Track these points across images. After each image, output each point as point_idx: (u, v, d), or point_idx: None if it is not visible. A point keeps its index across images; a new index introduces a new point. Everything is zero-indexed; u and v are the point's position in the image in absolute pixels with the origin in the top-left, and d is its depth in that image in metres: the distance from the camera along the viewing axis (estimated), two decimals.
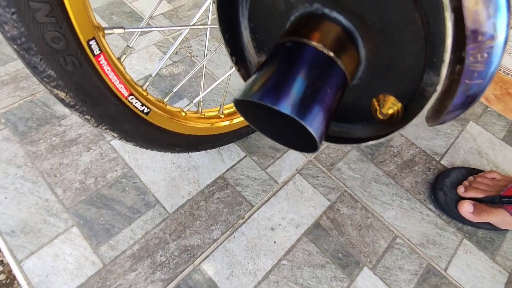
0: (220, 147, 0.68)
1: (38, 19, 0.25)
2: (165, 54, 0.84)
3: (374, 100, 0.21)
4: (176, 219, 0.58)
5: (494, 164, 0.75)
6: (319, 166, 0.68)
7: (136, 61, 0.82)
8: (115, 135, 0.40)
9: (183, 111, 0.51)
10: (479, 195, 0.63)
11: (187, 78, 0.48)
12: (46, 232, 0.54)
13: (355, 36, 0.19)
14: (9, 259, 0.52)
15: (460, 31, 0.15)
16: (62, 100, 0.32)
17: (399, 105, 0.20)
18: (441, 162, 0.73)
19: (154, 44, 0.86)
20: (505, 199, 0.61)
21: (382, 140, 0.21)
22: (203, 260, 0.54)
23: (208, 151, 0.67)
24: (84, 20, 0.28)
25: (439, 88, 0.16)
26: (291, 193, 0.64)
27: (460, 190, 0.65)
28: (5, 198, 0.57)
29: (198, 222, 0.58)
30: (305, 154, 0.70)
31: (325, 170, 0.68)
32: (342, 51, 0.18)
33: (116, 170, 0.63)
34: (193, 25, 0.39)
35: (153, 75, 0.41)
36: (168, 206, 0.60)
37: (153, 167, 0.64)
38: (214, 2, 0.33)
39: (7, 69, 0.74)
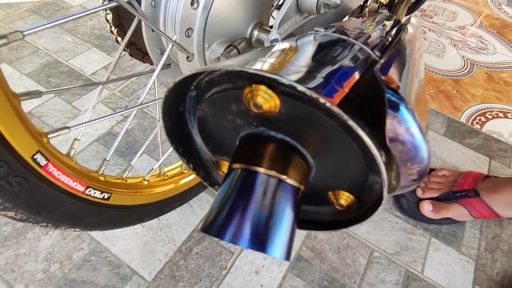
0: (190, 200, 0.67)
1: None
2: (114, 110, 0.82)
3: (330, 193, 0.23)
4: (157, 287, 0.56)
5: (442, 160, 0.82)
6: None
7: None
8: (77, 229, 0.38)
9: (144, 179, 0.49)
10: (435, 194, 0.69)
11: (145, 145, 0.47)
12: None
13: (302, 151, 0.21)
14: None
15: (390, 159, 0.18)
16: (12, 218, 0.30)
17: (352, 197, 0.22)
18: None
19: (101, 102, 0.83)
20: (457, 194, 0.67)
21: (350, 228, 0.23)
22: None
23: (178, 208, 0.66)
24: (25, 138, 0.27)
25: (385, 190, 0.18)
26: None
27: (419, 192, 0.70)
28: None
29: (181, 283, 0.57)
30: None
31: None
32: (293, 169, 0.20)
33: (83, 248, 0.59)
34: (141, 103, 0.39)
35: (107, 159, 0.40)
36: (146, 274, 0.57)
37: (122, 235, 0.61)
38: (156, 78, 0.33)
39: None
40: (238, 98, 0.19)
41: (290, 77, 0.16)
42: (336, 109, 0.16)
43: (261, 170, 0.19)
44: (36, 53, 0.92)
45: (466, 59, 1.13)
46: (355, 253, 0.63)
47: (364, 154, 0.19)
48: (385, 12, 0.70)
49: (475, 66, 1.11)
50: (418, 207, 0.68)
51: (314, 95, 0.16)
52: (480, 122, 0.93)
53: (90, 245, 0.59)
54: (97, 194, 0.38)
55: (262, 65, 0.18)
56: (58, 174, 0.31)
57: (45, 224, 0.33)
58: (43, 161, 0.29)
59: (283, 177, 0.19)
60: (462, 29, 1.25)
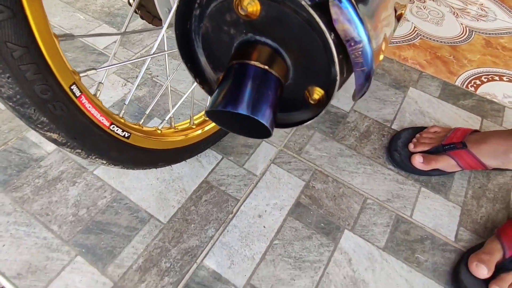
0: (198, 155, 0.74)
1: (28, 77, 0.30)
2: (126, 80, 0.88)
3: (306, 91, 0.29)
4: (171, 227, 0.63)
5: (435, 120, 0.87)
6: (289, 153, 0.76)
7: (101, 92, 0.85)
8: (104, 162, 0.45)
9: (158, 129, 0.56)
10: (426, 147, 0.74)
11: (156, 100, 0.54)
12: (52, 267, 0.57)
13: (281, 52, 0.26)
14: None
15: (339, 40, 0.23)
16: (54, 141, 0.37)
17: (322, 92, 0.28)
18: (392, 127, 0.84)
19: (113, 73, 0.89)
20: (446, 147, 0.72)
21: (316, 118, 0.29)
22: (204, 257, 0.60)
23: (188, 160, 0.73)
24: (64, 70, 0.33)
25: (338, 77, 0.23)
26: (270, 181, 0.71)
27: (411, 147, 0.75)
28: (3, 245, 0.59)
29: (193, 225, 0.64)
30: (273, 143, 0.77)
31: (295, 155, 0.76)
32: (274, 64, 0.26)
33: (105, 197, 0.67)
34: (153, 54, 0.45)
35: (126, 103, 0.46)
36: (161, 217, 0.65)
37: (139, 186, 0.68)
38: (166, 33, 0.39)
39: None
40: (230, 7, 0.25)
41: None
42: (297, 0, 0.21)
43: (251, 62, 0.25)
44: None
45: (465, 26, 1.15)
46: (349, 200, 0.70)
47: (326, 49, 0.24)
48: None
49: (473, 32, 1.13)
50: (410, 160, 0.74)
51: None
52: (475, 85, 0.97)
53: (112, 194, 0.67)
54: (119, 131, 0.44)
55: None
56: (89, 107, 0.38)
57: (80, 150, 0.40)
58: (77, 92, 0.36)
59: (267, 68, 0.25)
60: None
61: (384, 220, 0.67)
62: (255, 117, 0.23)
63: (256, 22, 0.25)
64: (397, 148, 0.76)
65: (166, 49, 0.47)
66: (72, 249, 0.60)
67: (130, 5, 0.51)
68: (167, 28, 0.46)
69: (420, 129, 0.80)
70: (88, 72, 0.38)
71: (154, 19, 0.56)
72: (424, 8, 1.18)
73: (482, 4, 1.23)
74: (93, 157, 0.42)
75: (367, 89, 0.27)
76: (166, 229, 0.63)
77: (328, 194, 0.70)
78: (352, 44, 0.23)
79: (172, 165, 0.71)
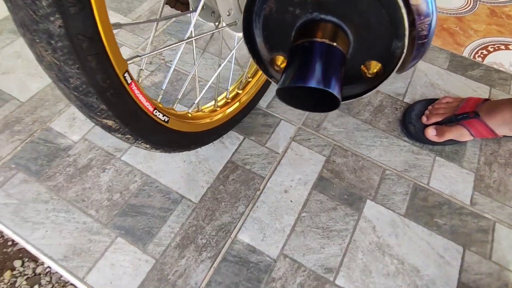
0: (221, 137, 0.76)
1: (93, 67, 0.31)
2: (140, 66, 0.88)
3: (362, 66, 0.31)
4: (203, 206, 0.66)
5: (445, 91, 0.89)
6: (308, 130, 0.79)
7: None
8: (147, 146, 0.47)
9: (188, 112, 0.58)
10: (439, 118, 0.77)
11: (184, 87, 0.55)
12: (95, 249, 0.61)
13: (344, 28, 0.28)
14: (72, 279, 0.58)
15: (411, 15, 0.25)
16: (109, 127, 0.39)
17: (379, 65, 0.30)
18: (405, 100, 0.86)
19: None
20: (459, 117, 0.75)
21: (374, 90, 0.31)
22: (237, 232, 0.64)
23: (213, 143, 0.75)
24: (118, 58, 0.35)
25: (405, 50, 0.25)
26: (292, 158, 0.74)
27: (424, 119, 0.78)
28: (46, 231, 0.62)
29: (223, 203, 0.67)
30: (292, 121, 0.79)
31: (314, 132, 0.78)
32: (339, 40, 0.28)
33: (136, 181, 0.69)
34: (187, 38, 0.46)
35: (163, 88, 0.48)
36: (192, 197, 0.68)
37: (168, 169, 0.71)
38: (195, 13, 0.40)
39: None
40: None
41: None
42: None
43: (318, 39, 0.27)
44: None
45: None
46: (369, 172, 0.73)
47: (391, 20, 0.26)
48: None
49: (478, 2, 1.13)
50: (423, 132, 0.77)
51: None
52: (482, 56, 0.98)
53: (142, 178, 0.69)
54: (161, 116, 0.46)
55: None
56: (138, 93, 0.40)
57: (129, 136, 0.42)
58: (129, 80, 0.37)
59: (333, 43, 0.27)
60: None
61: (403, 189, 0.71)
62: (328, 90, 0.25)
63: (323, 2, 0.27)
64: (411, 121, 0.79)
65: (193, 35, 0.48)
66: (112, 231, 0.63)
67: None
68: (195, 13, 0.47)
69: (432, 101, 0.83)
70: (134, 60, 0.40)
71: (176, 3, 0.57)
72: None
73: None
74: (140, 142, 0.44)
75: (417, 63, 0.29)
76: (198, 208, 0.66)
77: (348, 167, 0.73)
78: (422, 18, 0.25)
79: (198, 149, 0.74)
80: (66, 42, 0.28)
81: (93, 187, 0.68)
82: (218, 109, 0.67)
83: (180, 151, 0.58)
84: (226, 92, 0.69)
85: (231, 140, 0.76)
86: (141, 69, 0.44)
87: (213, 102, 0.66)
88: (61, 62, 0.29)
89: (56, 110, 0.78)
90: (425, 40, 0.27)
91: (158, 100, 0.48)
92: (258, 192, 0.69)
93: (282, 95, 0.28)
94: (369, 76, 0.31)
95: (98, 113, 0.35)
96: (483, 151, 0.78)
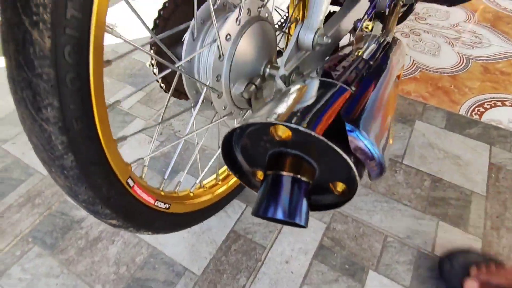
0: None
1: (99, 183, 0.36)
2: (151, 137, 0.96)
3: (330, 184, 0.35)
4: (206, 279, 0.68)
5: (444, 151, 0.91)
6: None
7: (128, 150, 0.93)
8: (149, 232, 0.51)
9: (190, 192, 0.62)
10: (491, 280, 0.57)
11: (191, 162, 0.60)
12: None
13: (308, 159, 0.33)
14: None
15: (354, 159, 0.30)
16: (113, 225, 0.43)
17: (344, 186, 0.34)
18: (404, 162, 0.88)
19: (142, 133, 0.97)
20: None
21: (342, 206, 0.34)
22: None
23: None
24: (121, 167, 0.40)
25: (358, 182, 0.29)
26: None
27: (473, 270, 0.60)
28: None
29: (225, 275, 0.68)
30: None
31: None
32: (303, 170, 0.32)
33: (142, 253, 0.72)
34: (186, 135, 0.52)
35: (165, 178, 0.53)
36: (195, 269, 0.69)
37: (172, 240, 0.74)
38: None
39: (19, 192, 0.83)
40: (266, 132, 0.32)
41: (293, 121, 0.28)
42: (321, 138, 0.27)
43: (284, 173, 0.31)
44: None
45: (462, 55, 1.21)
46: (370, 239, 0.73)
47: (346, 163, 0.30)
48: (377, 27, 0.81)
49: (470, 60, 1.19)
50: (461, 281, 0.61)
51: (307, 131, 0.27)
52: (478, 113, 1.01)
53: (148, 249, 0.72)
54: (161, 204, 0.51)
55: (278, 114, 0.30)
56: (140, 192, 0.44)
57: (132, 228, 0.46)
58: (131, 183, 0.42)
59: (298, 176, 0.31)
60: (456, 26, 1.33)
61: (406, 258, 0.70)
62: (293, 221, 0.29)
63: (288, 141, 0.32)
64: (453, 262, 0.64)
65: (195, 129, 0.54)
66: None
67: (161, 88, 0.58)
68: (195, 109, 0.53)
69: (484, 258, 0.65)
70: (138, 162, 0.45)
71: (181, 94, 0.64)
72: (420, 41, 1.25)
73: (475, 32, 1.30)
74: (142, 231, 0.48)
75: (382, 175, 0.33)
76: (201, 281, 0.68)
77: (349, 234, 0.74)
78: (368, 161, 0.29)
79: None
80: (77, 170, 0.33)
81: (102, 260, 0.71)
82: (220, 182, 0.71)
83: (184, 229, 0.61)
84: (216, 176, 0.71)
85: (234, 209, 0.79)
86: (145, 166, 0.49)
87: (214, 176, 0.71)
88: (71, 184, 0.34)
89: None
90: (380, 171, 0.31)
91: (161, 189, 0.53)
92: (259, 263, 0.70)
93: (258, 216, 0.32)
94: (336, 193, 0.35)
95: (103, 216, 0.40)
96: (489, 214, 0.77)
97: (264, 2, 0.54)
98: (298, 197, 0.30)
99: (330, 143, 0.27)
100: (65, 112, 0.29)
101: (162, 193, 0.53)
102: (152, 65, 0.57)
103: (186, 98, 0.64)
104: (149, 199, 0.47)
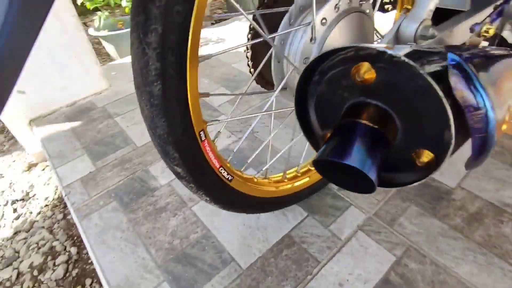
0: (285, 208, 0.76)
1: (176, 122, 0.39)
2: (231, 133, 1.01)
3: (413, 153, 0.29)
4: (249, 275, 0.64)
5: None
6: (380, 222, 0.71)
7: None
8: (207, 198, 0.51)
9: (255, 177, 0.62)
10: None
11: (256, 152, 0.60)
12: (143, 287, 0.64)
13: (391, 113, 0.29)
14: None
15: (456, 107, 0.24)
16: (177, 173, 0.45)
17: (431, 155, 0.28)
18: None
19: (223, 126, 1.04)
20: None
21: (422, 181, 0.28)
22: None
23: (274, 212, 0.75)
24: (198, 119, 0.42)
25: (452, 141, 0.24)
26: (356, 249, 0.67)
27: None
28: (113, 257, 0.70)
29: (270, 278, 0.64)
30: (363, 208, 0.73)
31: (386, 225, 0.70)
32: (383, 124, 0.28)
33: (197, 232, 0.73)
34: (264, 111, 0.52)
35: (235, 151, 0.54)
36: (242, 263, 0.67)
37: (227, 228, 0.73)
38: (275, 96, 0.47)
39: (117, 155, 0.96)
40: (347, 74, 0.29)
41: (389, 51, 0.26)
42: (416, 67, 0.23)
43: (361, 121, 0.28)
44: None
45: None
46: None
47: (441, 113, 0.25)
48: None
49: None
50: None
51: (403, 58, 0.24)
52: None
53: (203, 231, 0.73)
54: (225, 173, 0.51)
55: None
56: (208, 150, 0.46)
57: (193, 185, 0.47)
58: (203, 137, 0.44)
59: (375, 126, 0.27)
60: None
61: None
62: (362, 170, 0.25)
63: (370, 87, 0.29)
64: None
65: (273, 109, 0.54)
66: (162, 274, 0.66)
67: (251, 73, 0.61)
68: (277, 92, 0.53)
69: None
70: (213, 122, 0.47)
71: (267, 84, 0.66)
72: None
73: None
74: (201, 193, 0.49)
75: (485, 158, 0.26)
76: (244, 276, 0.64)
77: (424, 277, 0.61)
78: (472, 110, 0.24)
79: (260, 214, 0.75)
80: (161, 101, 0.36)
81: (162, 228, 0.75)
82: (286, 180, 0.69)
83: (237, 212, 0.60)
84: (297, 166, 0.71)
85: (294, 215, 0.75)
86: (219, 131, 0.51)
87: (281, 173, 0.69)
88: (153, 115, 0.37)
89: (157, 157, 0.94)
90: (484, 134, 0.24)
91: (228, 160, 0.54)
92: (309, 277, 0.63)
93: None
94: (419, 165, 0.29)
95: (171, 160, 0.42)
96: None
97: None
98: (373, 148, 0.26)
99: (426, 76, 0.23)
100: (165, 40, 0.33)
101: (228, 165, 0.53)
102: (247, 49, 0.61)
103: (270, 87, 0.66)
104: (215, 162, 0.48)
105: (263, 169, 0.63)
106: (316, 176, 0.73)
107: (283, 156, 0.90)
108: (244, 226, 0.73)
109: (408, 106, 0.27)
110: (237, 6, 0.41)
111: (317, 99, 0.34)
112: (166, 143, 0.40)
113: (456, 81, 0.24)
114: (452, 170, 0.80)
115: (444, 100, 0.23)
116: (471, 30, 0.52)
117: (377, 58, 0.26)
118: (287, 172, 0.70)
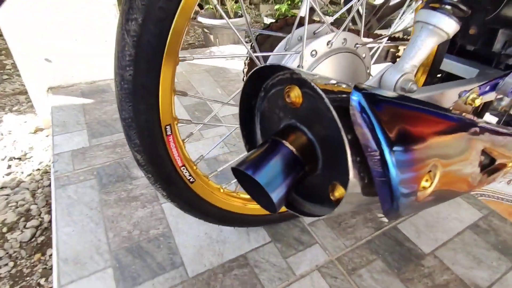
0: (250, 228, 0.75)
1: (141, 110, 0.41)
2: (225, 144, 1.02)
3: (330, 186, 0.29)
4: (193, 284, 0.63)
5: None
6: (340, 268, 0.68)
7: (202, 146, 1.01)
8: (164, 193, 0.52)
9: (221, 188, 0.62)
10: None
11: (230, 163, 0.61)
12: (88, 267, 0.64)
13: (313, 142, 0.29)
14: (54, 281, 0.62)
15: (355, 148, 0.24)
16: (137, 160, 0.46)
17: (343, 190, 0.28)
18: None
19: (219, 136, 1.06)
20: None
21: (327, 215, 0.28)
22: None
23: (238, 229, 0.74)
24: (167, 113, 0.44)
25: (350, 177, 0.24)
26: (306, 287, 0.64)
27: None
28: (73, 231, 0.71)
29: None
30: (327, 249, 0.71)
31: (346, 273, 0.68)
32: (304, 150, 0.28)
33: (158, 229, 0.74)
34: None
35: (204, 156, 0.55)
36: (190, 270, 0.66)
37: (189, 233, 0.73)
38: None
39: (113, 138, 1.00)
40: (282, 95, 0.30)
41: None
42: (318, 90, 0.24)
43: (284, 141, 0.28)
44: (196, 94, 1.28)
45: None
46: None
47: (342, 145, 0.25)
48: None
49: None
50: None
51: (309, 80, 0.25)
52: None
53: (164, 229, 0.74)
54: (187, 174, 0.52)
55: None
56: (172, 146, 0.47)
57: (150, 175, 0.48)
58: (169, 132, 0.46)
59: (294, 150, 0.28)
60: None
61: None
62: (265, 188, 0.25)
63: (299, 112, 0.29)
64: None
65: None
66: (111, 259, 0.66)
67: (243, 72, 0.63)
68: None
69: None
70: (185, 121, 0.49)
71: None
72: None
73: None
74: (158, 186, 0.50)
75: (404, 209, 0.25)
76: (187, 283, 0.63)
77: None
78: (368, 149, 0.23)
79: (222, 227, 0.74)
80: (130, 86, 0.38)
81: (127, 215, 0.76)
82: (240, 196, 0.68)
83: (196, 217, 0.60)
84: None
85: (257, 237, 0.73)
86: (191, 133, 0.52)
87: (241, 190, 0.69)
88: (122, 97, 0.40)
89: None
90: (384, 179, 0.23)
91: (196, 163, 0.55)
92: None
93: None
94: (332, 199, 0.28)
95: (132, 145, 0.44)
96: None
97: (366, 42, 0.54)
98: (287, 173, 0.26)
99: (329, 105, 0.23)
100: (143, 30, 0.35)
101: (194, 167, 0.54)
102: (245, 65, 0.64)
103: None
104: (178, 159, 0.49)
105: (232, 182, 0.63)
106: None
107: None
108: (205, 236, 0.73)
109: (327, 136, 0.28)
110: (234, 29, 0.44)
111: (261, 114, 0.35)
112: (130, 127, 0.42)
113: (355, 117, 0.24)
114: (431, 235, 0.77)
115: (342, 132, 0.23)
116: (459, 95, 0.51)
117: (304, 83, 0.28)
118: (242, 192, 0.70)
